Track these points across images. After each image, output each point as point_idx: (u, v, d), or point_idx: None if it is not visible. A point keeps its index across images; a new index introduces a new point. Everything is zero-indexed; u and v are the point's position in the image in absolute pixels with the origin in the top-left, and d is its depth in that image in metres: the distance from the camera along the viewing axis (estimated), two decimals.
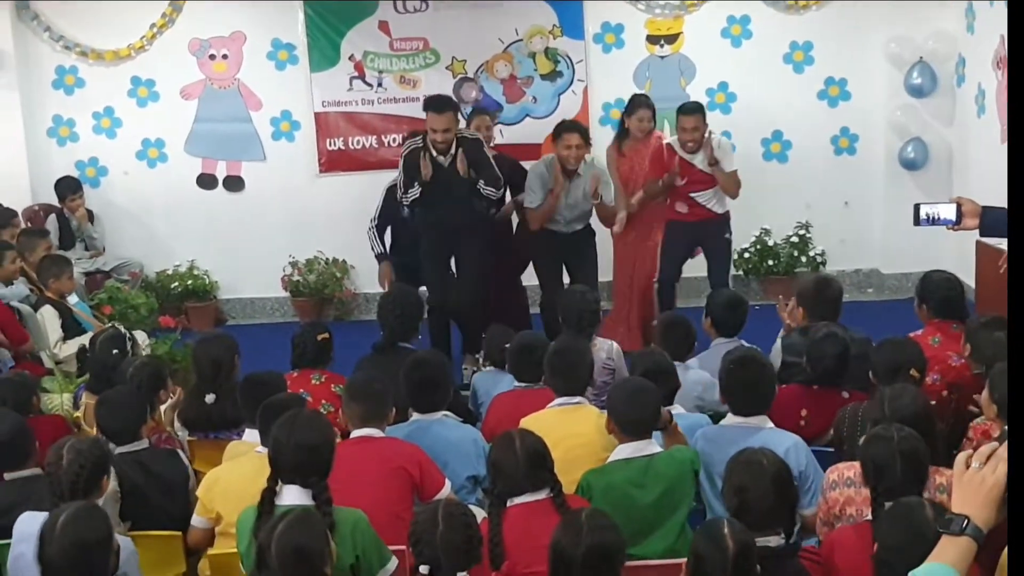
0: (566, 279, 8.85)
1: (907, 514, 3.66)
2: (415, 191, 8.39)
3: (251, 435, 5.35)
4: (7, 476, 5.18)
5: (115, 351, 6.57)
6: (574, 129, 8.63)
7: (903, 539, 3.56)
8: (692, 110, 8.76)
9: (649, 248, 9.17)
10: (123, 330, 7.18)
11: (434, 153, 8.31)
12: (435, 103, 8.37)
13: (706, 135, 8.71)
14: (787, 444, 4.88)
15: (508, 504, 4.39)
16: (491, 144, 9.05)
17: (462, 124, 8.88)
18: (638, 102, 9.12)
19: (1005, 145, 8.91)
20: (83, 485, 4.54)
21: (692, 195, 8.86)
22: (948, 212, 5.30)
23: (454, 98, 9.37)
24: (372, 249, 9.15)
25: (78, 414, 6.45)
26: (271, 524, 3.82)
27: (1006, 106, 5.38)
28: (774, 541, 4.02)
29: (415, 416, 5.55)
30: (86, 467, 4.56)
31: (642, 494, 4.73)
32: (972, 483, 2.84)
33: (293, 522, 3.79)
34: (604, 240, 9.04)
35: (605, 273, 9.09)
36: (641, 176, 9.02)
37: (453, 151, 8.33)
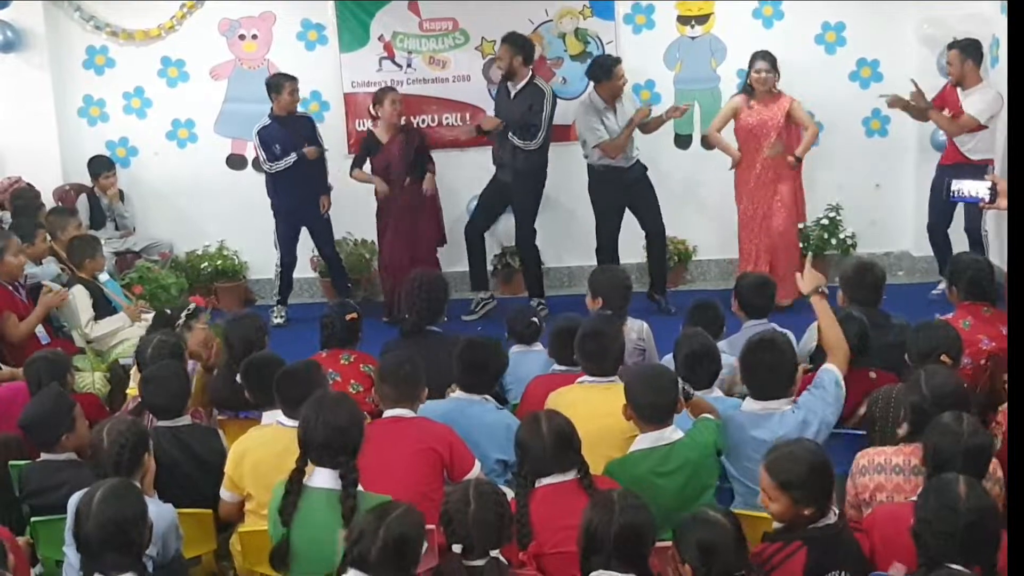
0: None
1: (943, 489, 3.69)
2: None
3: (268, 418, 5.40)
4: (44, 456, 5.25)
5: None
6: (619, 61, 9.70)
7: (939, 510, 3.60)
8: (952, 46, 9.35)
9: (779, 202, 9.67)
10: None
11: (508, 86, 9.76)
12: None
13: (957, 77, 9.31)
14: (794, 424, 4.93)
15: (536, 485, 4.41)
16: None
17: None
18: (755, 56, 9.65)
19: None
20: (126, 464, 4.61)
21: None
22: (979, 189, 5.25)
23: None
24: (284, 168, 9.94)
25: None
26: (378, 512, 3.82)
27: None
28: (832, 518, 4.05)
29: (457, 394, 5.57)
30: (127, 446, 4.64)
31: (667, 482, 4.73)
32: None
33: (402, 513, 3.80)
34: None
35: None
36: (772, 130, 9.57)
37: (516, 90, 9.69)
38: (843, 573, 3.94)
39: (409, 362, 5.28)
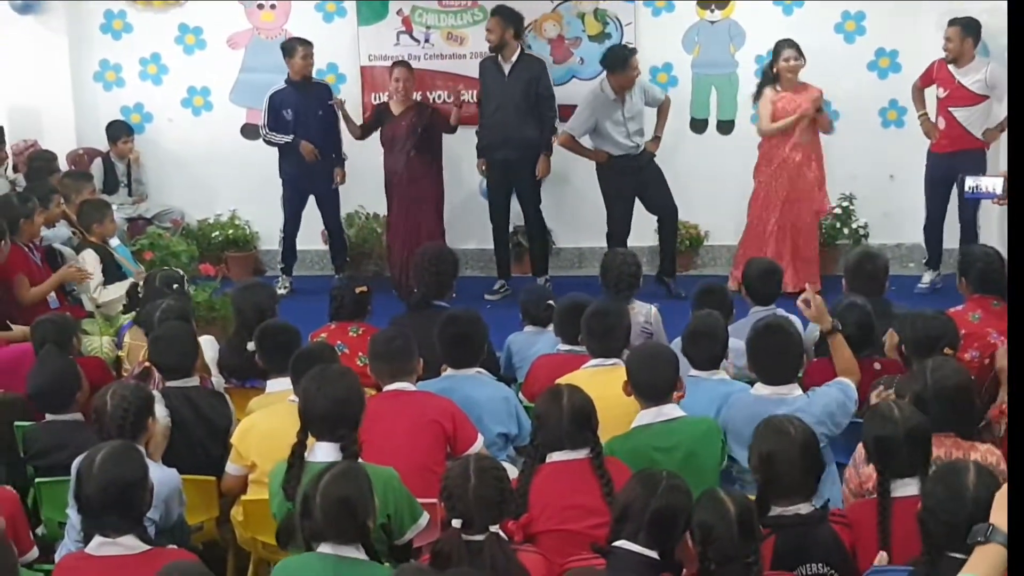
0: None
1: (951, 475, 3.65)
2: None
3: (273, 386, 5.43)
4: (49, 417, 5.27)
5: (175, 285, 6.68)
6: (635, 52, 9.63)
7: (945, 499, 3.56)
8: (953, 22, 9.25)
9: (804, 185, 9.65)
10: (180, 271, 7.29)
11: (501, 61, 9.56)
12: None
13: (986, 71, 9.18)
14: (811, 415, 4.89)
15: (547, 459, 4.41)
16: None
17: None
18: (783, 44, 9.57)
19: None
20: (129, 428, 4.63)
21: (951, 109, 9.29)
22: (994, 185, 5.23)
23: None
24: (279, 144, 9.97)
25: (121, 353, 6.51)
26: (318, 474, 3.85)
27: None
28: (805, 508, 4.03)
29: (448, 371, 5.57)
30: (130, 410, 4.67)
31: (665, 457, 4.73)
32: (1000, 495, 2.87)
33: (339, 474, 3.82)
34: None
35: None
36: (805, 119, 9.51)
37: (511, 64, 9.52)
38: (819, 566, 3.91)
39: (399, 336, 5.32)
